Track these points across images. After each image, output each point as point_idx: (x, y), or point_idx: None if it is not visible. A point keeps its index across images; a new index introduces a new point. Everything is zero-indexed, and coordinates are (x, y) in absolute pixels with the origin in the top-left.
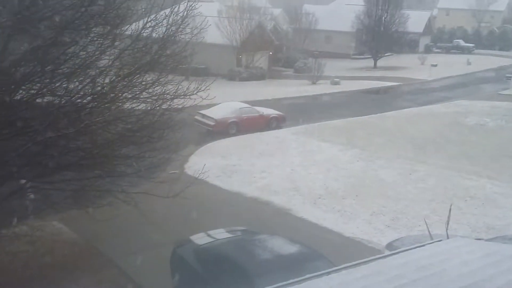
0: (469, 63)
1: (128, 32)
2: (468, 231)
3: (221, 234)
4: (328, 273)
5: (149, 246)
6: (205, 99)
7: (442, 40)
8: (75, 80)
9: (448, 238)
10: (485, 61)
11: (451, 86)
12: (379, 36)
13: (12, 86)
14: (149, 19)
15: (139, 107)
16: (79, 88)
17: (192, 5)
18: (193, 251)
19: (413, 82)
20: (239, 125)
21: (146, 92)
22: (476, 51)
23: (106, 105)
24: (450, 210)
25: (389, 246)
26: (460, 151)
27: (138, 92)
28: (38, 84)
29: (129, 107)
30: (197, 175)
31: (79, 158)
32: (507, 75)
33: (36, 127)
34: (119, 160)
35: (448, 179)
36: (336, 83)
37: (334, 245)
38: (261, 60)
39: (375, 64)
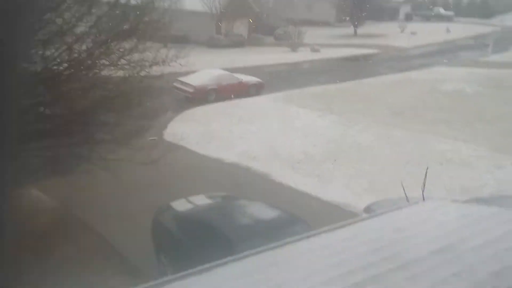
0: (448, 31)
1: None
2: (444, 193)
3: (201, 200)
4: (308, 236)
5: (129, 213)
6: (184, 66)
7: (422, 8)
8: (51, 47)
9: (424, 200)
10: (464, 29)
11: (430, 53)
12: (359, 4)
13: None
14: None
15: (117, 74)
16: (56, 55)
17: None
18: (174, 217)
19: (393, 50)
20: (218, 92)
21: (124, 59)
22: (456, 19)
23: (83, 72)
24: (426, 173)
25: (367, 209)
26: (437, 117)
27: (115, 59)
28: None
29: (107, 74)
30: (176, 141)
31: (57, 125)
32: (486, 42)
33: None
34: (97, 127)
35: (425, 143)
36: (316, 51)
37: (313, 209)
38: (241, 28)
39: (355, 31)
